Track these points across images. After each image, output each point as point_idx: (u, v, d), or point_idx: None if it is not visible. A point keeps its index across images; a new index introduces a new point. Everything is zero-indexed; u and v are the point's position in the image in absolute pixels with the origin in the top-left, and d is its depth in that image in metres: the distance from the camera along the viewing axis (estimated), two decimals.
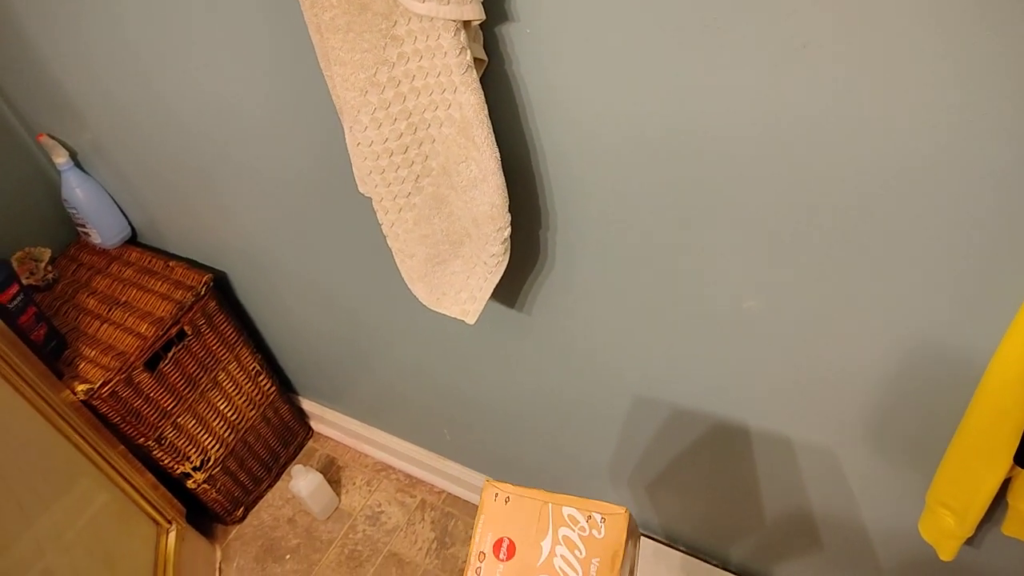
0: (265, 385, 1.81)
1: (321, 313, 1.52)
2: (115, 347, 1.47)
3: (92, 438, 1.43)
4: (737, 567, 1.34)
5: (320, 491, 1.79)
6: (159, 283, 1.59)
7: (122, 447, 1.52)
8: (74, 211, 1.61)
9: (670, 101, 0.72)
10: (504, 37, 0.76)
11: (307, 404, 1.99)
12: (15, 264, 1.60)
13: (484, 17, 0.70)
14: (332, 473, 1.94)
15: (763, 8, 0.61)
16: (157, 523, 1.64)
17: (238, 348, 1.70)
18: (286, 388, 1.96)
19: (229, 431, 1.74)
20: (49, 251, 1.66)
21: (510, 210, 0.83)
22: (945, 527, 0.85)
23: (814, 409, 0.93)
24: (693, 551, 1.37)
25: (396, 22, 0.72)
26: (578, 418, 1.27)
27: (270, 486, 1.94)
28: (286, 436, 1.95)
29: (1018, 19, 0.52)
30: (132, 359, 1.45)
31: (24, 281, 1.55)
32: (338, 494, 1.89)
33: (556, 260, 0.99)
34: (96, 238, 1.65)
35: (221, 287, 1.67)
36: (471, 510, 1.80)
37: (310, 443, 2.03)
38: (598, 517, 0.67)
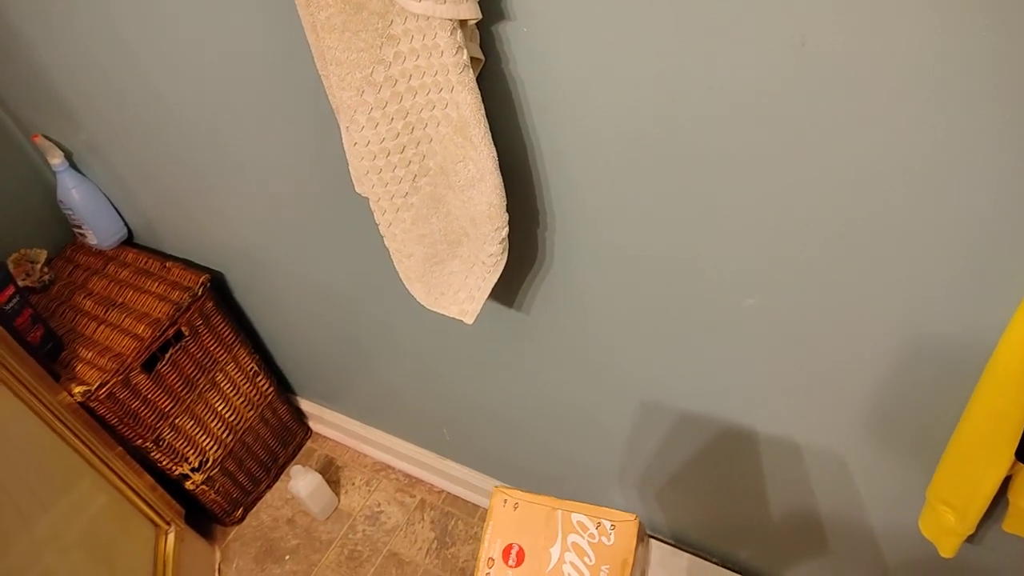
0: (263, 385, 1.80)
1: (319, 313, 1.52)
2: (112, 349, 1.46)
3: (90, 440, 1.43)
4: (739, 565, 1.34)
5: (319, 491, 1.79)
6: (156, 284, 1.58)
7: (120, 449, 1.52)
8: (70, 212, 1.60)
9: (668, 99, 0.72)
10: (501, 36, 0.76)
11: (305, 404, 1.99)
12: (11, 266, 1.59)
13: (480, 16, 0.70)
14: (331, 473, 1.94)
15: (762, 4, 0.61)
16: (156, 524, 1.64)
17: (236, 349, 1.70)
18: (284, 388, 1.96)
19: (227, 432, 1.73)
20: (45, 252, 1.65)
21: (508, 209, 0.83)
22: (945, 524, 0.85)
23: (814, 406, 0.93)
24: (687, 546, 1.37)
25: (392, 21, 0.72)
26: (577, 417, 1.26)
27: (269, 487, 1.93)
28: (284, 436, 1.95)
29: (1019, 12, 0.52)
30: (129, 360, 1.45)
31: (20, 283, 1.55)
32: (337, 494, 1.88)
33: (554, 259, 0.99)
34: (92, 239, 1.65)
35: (218, 287, 1.67)
36: (471, 510, 1.79)
37: (309, 443, 2.03)
38: (608, 524, 0.67)
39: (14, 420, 1.29)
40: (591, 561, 0.66)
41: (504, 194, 0.81)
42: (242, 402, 1.75)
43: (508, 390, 1.32)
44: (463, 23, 0.70)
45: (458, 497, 1.82)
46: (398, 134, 0.81)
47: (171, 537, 1.64)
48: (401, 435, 1.80)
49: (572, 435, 1.32)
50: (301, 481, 1.75)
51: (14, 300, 1.35)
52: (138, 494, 1.57)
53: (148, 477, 1.60)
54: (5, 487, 1.25)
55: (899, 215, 0.68)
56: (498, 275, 0.91)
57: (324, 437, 2.03)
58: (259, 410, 1.81)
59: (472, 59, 0.73)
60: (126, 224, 1.68)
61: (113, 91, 1.26)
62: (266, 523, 1.87)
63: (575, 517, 0.68)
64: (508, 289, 1.09)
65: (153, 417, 1.54)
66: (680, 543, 1.39)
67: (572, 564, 0.66)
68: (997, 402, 0.70)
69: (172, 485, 1.67)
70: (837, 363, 0.85)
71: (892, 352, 0.80)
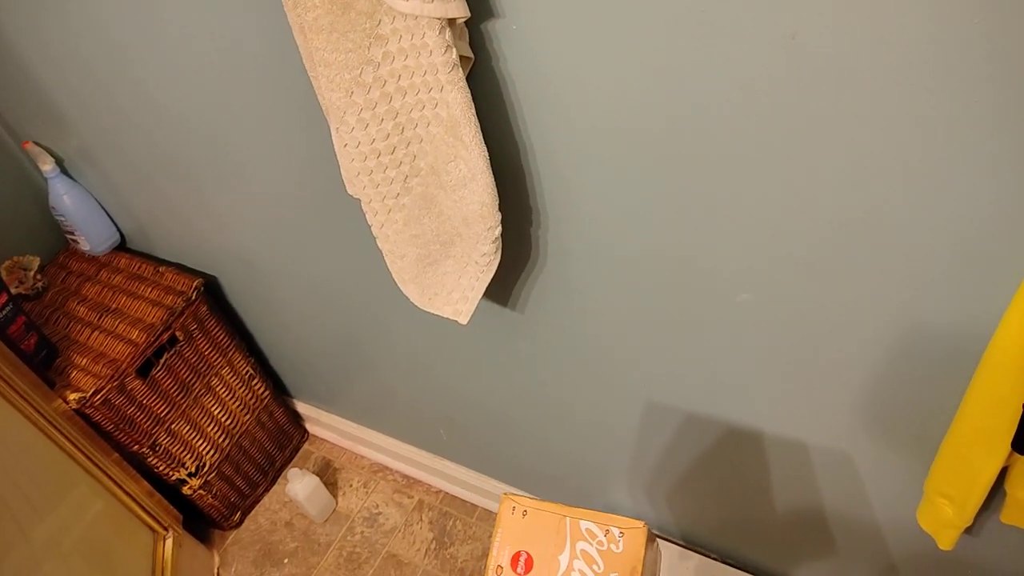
0: (259, 389, 1.80)
1: (314, 315, 1.52)
2: (106, 355, 1.46)
3: (86, 447, 1.42)
4: (740, 560, 1.34)
5: (317, 494, 1.79)
6: (149, 289, 1.57)
7: (116, 455, 1.51)
8: (62, 218, 1.60)
9: (660, 95, 0.72)
10: (490, 34, 0.76)
11: (302, 407, 1.98)
12: (4, 273, 1.58)
13: (469, 14, 0.69)
14: (328, 475, 1.93)
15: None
16: (154, 530, 1.63)
17: (231, 352, 1.69)
18: (280, 391, 1.95)
19: (224, 436, 1.73)
20: (38, 259, 1.64)
21: (500, 209, 0.83)
22: (944, 516, 0.85)
23: (813, 400, 0.93)
24: (688, 542, 1.37)
25: (380, 21, 0.71)
26: (574, 416, 1.26)
27: (266, 490, 1.93)
28: (281, 439, 1.94)
29: (1014, 6, 0.52)
30: (124, 366, 1.44)
31: (13, 290, 1.54)
32: (335, 496, 1.88)
33: (548, 258, 0.99)
34: (85, 245, 1.64)
35: (212, 291, 1.66)
36: (469, 509, 1.79)
37: (305, 446, 2.02)
38: (616, 531, 0.67)
39: (9, 428, 1.28)
40: (600, 569, 0.66)
41: (496, 193, 0.81)
42: (238, 406, 1.75)
43: (504, 389, 1.32)
44: (451, 22, 0.70)
45: (456, 497, 1.82)
46: (388, 135, 0.80)
47: (169, 543, 1.64)
48: (398, 436, 1.80)
49: (570, 434, 1.32)
50: (298, 484, 1.74)
51: (7, 308, 1.34)
52: (135, 500, 1.56)
53: (145, 483, 1.59)
54: (1, 496, 1.25)
55: (894, 206, 0.68)
56: (491, 275, 0.90)
57: (321, 439, 2.03)
58: (255, 413, 1.81)
59: (462, 58, 0.73)
60: (119, 229, 1.67)
61: (104, 96, 1.26)
62: (264, 527, 1.87)
63: (584, 524, 0.68)
64: (502, 289, 1.08)
65: (149, 423, 1.54)
66: (671, 536, 1.39)
67: (581, 572, 0.66)
68: (994, 392, 0.70)
69: (169, 490, 1.66)
70: (835, 357, 0.85)
71: (889, 344, 0.80)
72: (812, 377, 0.89)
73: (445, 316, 0.98)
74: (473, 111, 0.75)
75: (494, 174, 0.80)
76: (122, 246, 1.71)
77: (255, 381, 1.78)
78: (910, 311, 0.75)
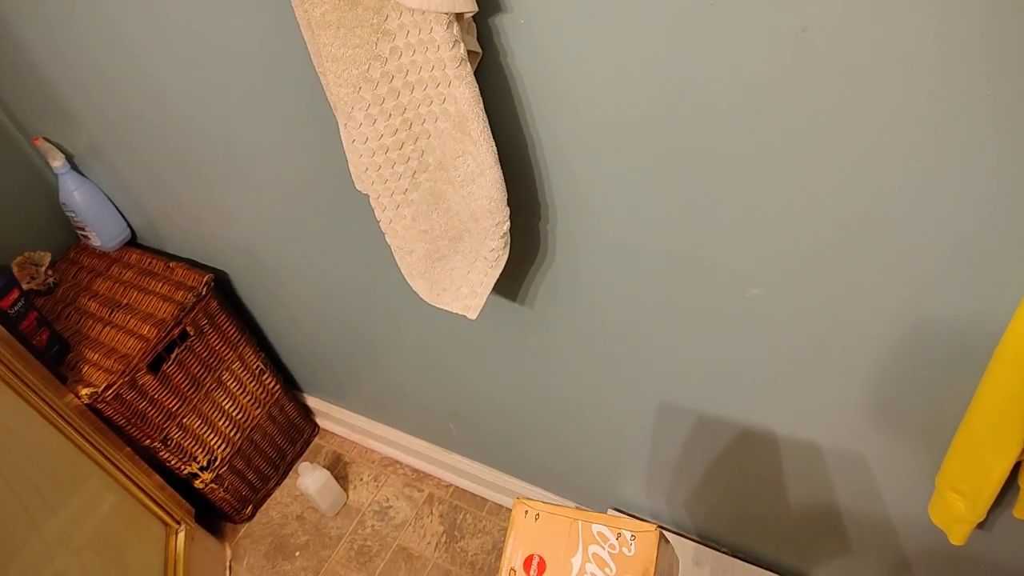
0: (269, 383, 1.80)
1: (323, 310, 1.52)
2: (118, 350, 1.47)
3: (98, 441, 1.43)
4: (752, 556, 1.34)
5: (328, 488, 1.80)
6: (160, 284, 1.58)
7: (128, 449, 1.52)
8: (72, 214, 1.61)
9: (669, 90, 0.71)
10: (498, 29, 0.75)
11: (312, 401, 1.99)
12: (15, 269, 1.59)
13: (476, 9, 0.69)
14: (339, 469, 1.94)
15: None
16: (166, 524, 1.64)
17: (241, 347, 1.70)
18: (291, 386, 1.96)
19: (235, 430, 1.73)
20: (49, 255, 1.65)
21: (509, 204, 0.82)
22: (955, 511, 0.84)
23: (822, 396, 0.92)
24: (702, 538, 1.37)
25: (387, 16, 0.71)
26: (584, 412, 1.26)
27: (278, 484, 1.94)
28: (292, 434, 1.95)
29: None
30: (135, 361, 1.45)
31: (24, 286, 1.55)
32: (345, 490, 1.89)
33: (557, 253, 0.99)
34: (95, 241, 1.65)
35: (222, 286, 1.67)
36: (479, 503, 1.80)
37: (316, 440, 2.03)
38: (628, 534, 0.67)
39: (22, 423, 1.29)
40: (612, 572, 0.66)
41: (504, 188, 0.81)
42: (249, 400, 1.75)
43: (514, 384, 1.32)
44: (459, 16, 0.69)
45: (466, 491, 1.83)
46: (396, 130, 0.80)
47: (181, 536, 1.65)
48: (408, 430, 1.81)
49: (580, 429, 1.31)
50: (309, 478, 1.75)
51: (19, 303, 1.35)
52: (147, 494, 1.57)
53: (157, 477, 1.60)
54: (14, 490, 1.26)
55: (904, 200, 0.67)
56: (500, 270, 0.90)
57: (331, 433, 2.04)
58: (266, 408, 1.81)
59: (469, 53, 0.73)
60: (129, 225, 1.68)
61: (114, 92, 1.26)
62: (276, 520, 1.88)
63: (596, 528, 0.68)
64: (511, 284, 1.08)
65: (160, 417, 1.54)
66: (686, 532, 1.39)
67: (593, 575, 0.66)
68: (1007, 386, 0.69)
69: (181, 484, 1.67)
70: (844, 352, 0.85)
71: (898, 339, 0.79)
72: (822, 373, 0.89)
73: (454, 311, 0.98)
74: (481, 106, 0.75)
75: (502, 169, 0.79)
76: (133, 242, 1.72)
77: (265, 375, 1.79)
78: (923, 305, 0.74)
